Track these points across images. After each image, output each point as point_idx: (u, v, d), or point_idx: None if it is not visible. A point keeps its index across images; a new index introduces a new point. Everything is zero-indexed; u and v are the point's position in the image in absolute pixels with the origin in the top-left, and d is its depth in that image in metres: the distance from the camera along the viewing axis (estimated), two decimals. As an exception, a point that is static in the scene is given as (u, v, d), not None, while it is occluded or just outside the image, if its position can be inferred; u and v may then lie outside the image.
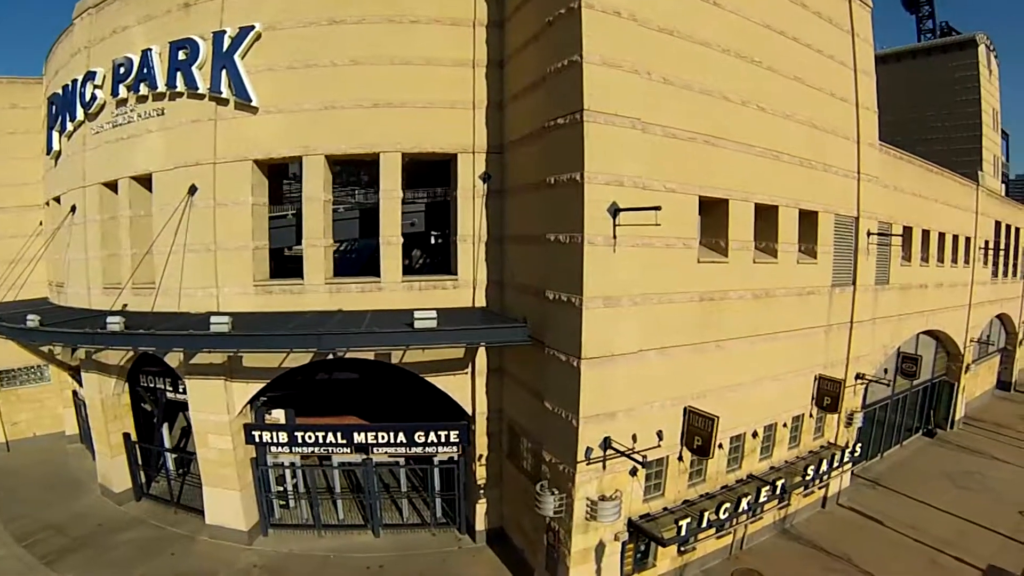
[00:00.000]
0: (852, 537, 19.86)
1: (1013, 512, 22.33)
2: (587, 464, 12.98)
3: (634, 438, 13.39)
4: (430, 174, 18.56)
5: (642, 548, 15.56)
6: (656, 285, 13.37)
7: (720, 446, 15.80)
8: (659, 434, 13.61)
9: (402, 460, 18.47)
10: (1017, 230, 41.57)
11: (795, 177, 17.03)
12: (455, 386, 16.74)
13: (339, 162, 17.28)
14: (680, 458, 15.15)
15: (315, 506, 18.28)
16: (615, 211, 12.20)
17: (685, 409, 14.24)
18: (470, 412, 17.02)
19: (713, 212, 14.84)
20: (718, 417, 13.48)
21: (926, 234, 26.15)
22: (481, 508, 17.64)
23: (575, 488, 13.10)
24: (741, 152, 15.25)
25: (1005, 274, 39.91)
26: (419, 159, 16.94)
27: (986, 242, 34.42)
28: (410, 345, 14.39)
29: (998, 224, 36.74)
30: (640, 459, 12.83)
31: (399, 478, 19.25)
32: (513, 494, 16.93)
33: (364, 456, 17.89)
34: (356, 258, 23.46)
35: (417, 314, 13.89)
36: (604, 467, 13.35)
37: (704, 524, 14.72)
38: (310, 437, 17.26)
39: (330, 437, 17.44)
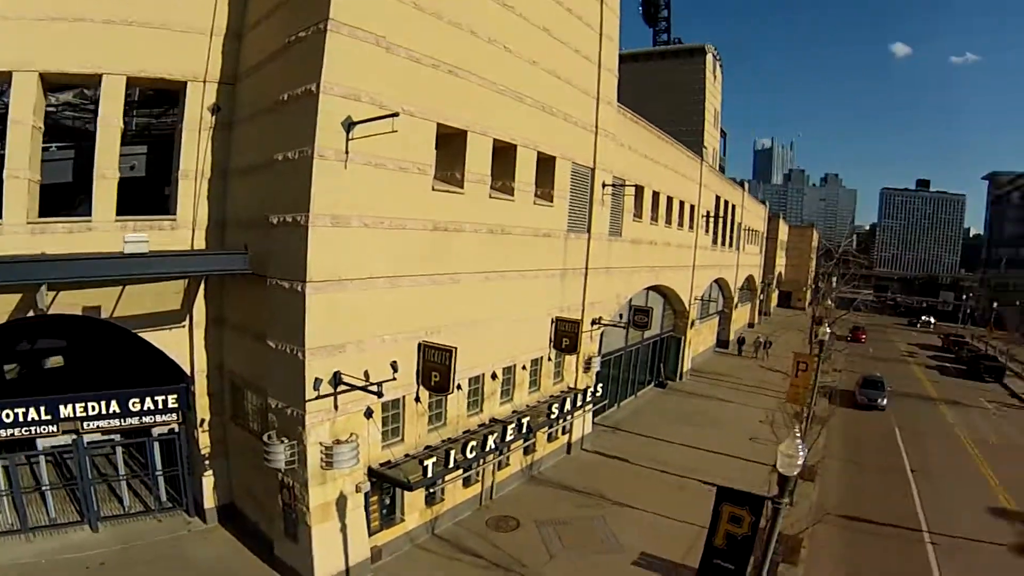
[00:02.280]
0: (601, 476, 22.92)
1: (745, 440, 28.19)
2: (317, 401, 13.55)
3: (366, 375, 14.35)
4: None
5: (387, 502, 16.73)
6: (389, 209, 14.48)
7: (459, 387, 17.53)
8: (393, 365, 14.60)
9: (118, 437, 17.57)
10: (733, 206, 48.37)
11: (536, 121, 19.53)
12: (172, 342, 16.33)
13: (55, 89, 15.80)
14: (417, 399, 16.35)
15: (20, 506, 15.69)
16: (349, 125, 13.08)
17: (420, 344, 15.28)
18: (189, 371, 16.71)
19: (452, 144, 16.51)
20: (455, 348, 14.91)
21: (656, 195, 30.81)
22: (209, 483, 17.35)
23: (306, 432, 13.59)
24: (484, 88, 17.05)
25: (723, 243, 46.63)
26: (146, 86, 16.31)
27: (708, 212, 40.18)
28: (120, 275, 13.71)
29: (718, 198, 43.22)
30: (375, 391, 13.73)
31: (116, 463, 18.00)
32: (242, 461, 17.09)
33: (74, 436, 16.14)
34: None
35: (127, 237, 13.41)
36: (336, 407, 14.02)
37: (451, 465, 16.19)
38: (7, 416, 14.86)
39: (32, 414, 15.40)
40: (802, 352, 28.92)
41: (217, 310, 16.76)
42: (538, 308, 20.84)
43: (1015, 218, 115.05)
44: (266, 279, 13.95)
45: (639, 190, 28.51)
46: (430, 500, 17.66)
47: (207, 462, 17.16)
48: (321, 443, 13.75)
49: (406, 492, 16.39)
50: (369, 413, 14.76)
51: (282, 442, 13.57)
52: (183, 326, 16.29)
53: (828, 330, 26.21)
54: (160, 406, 16.47)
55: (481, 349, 18.10)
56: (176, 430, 17.09)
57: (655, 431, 28.77)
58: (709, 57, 57.94)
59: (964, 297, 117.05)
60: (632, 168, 27.10)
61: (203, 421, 16.97)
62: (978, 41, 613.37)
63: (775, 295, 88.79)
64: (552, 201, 20.61)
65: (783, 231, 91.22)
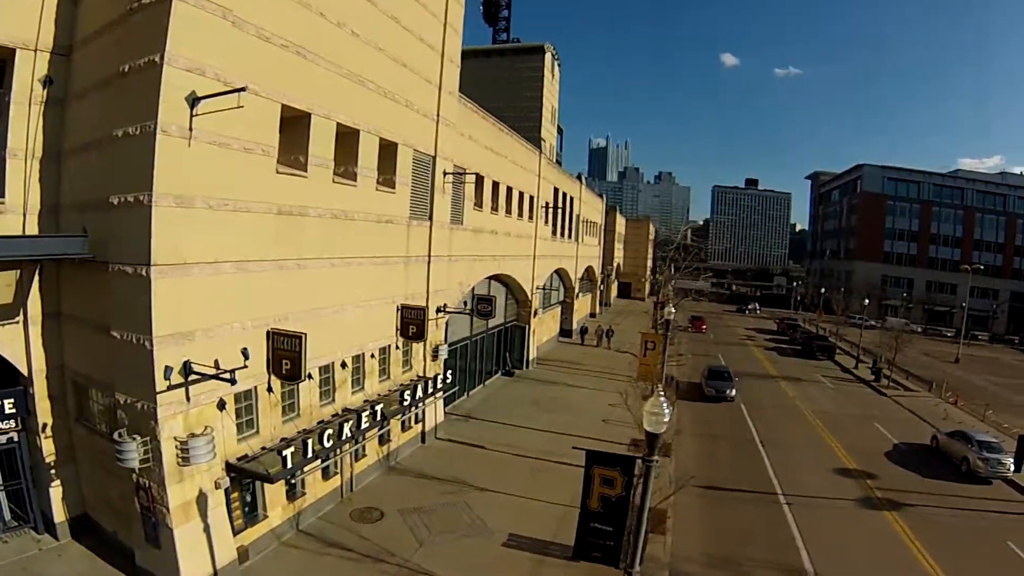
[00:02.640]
0: (459, 463, 23.87)
1: (597, 421, 30.38)
2: (169, 393, 13.31)
3: (217, 364, 14.25)
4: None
5: (249, 499, 16.67)
6: (234, 190, 14.52)
7: (310, 376, 17.80)
8: (244, 352, 14.60)
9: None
10: (572, 199, 50.84)
11: (379, 107, 20.24)
12: (5, 340, 15.10)
13: None
14: (270, 389, 16.42)
15: None
16: (194, 100, 13.00)
17: (269, 332, 15.35)
18: (26, 372, 15.61)
19: (296, 126, 16.68)
20: (305, 334, 15.30)
21: (496, 185, 32.29)
22: (57, 494, 16.22)
23: (159, 427, 13.27)
24: (330, 71, 17.47)
25: (563, 235, 48.93)
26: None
27: (547, 203, 41.86)
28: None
29: (556, 190, 45.41)
30: (228, 379, 13.76)
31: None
32: (92, 466, 16.17)
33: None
34: None
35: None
36: (188, 398, 13.81)
37: (310, 455, 16.46)
38: None
39: None
40: (649, 331, 31.50)
41: (54, 303, 15.73)
42: (384, 296, 21.53)
43: (833, 214, 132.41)
44: (108, 265, 13.44)
45: (480, 179, 29.92)
46: (292, 494, 17.77)
47: (53, 471, 15.99)
48: (176, 437, 13.49)
49: (267, 486, 16.51)
50: (222, 405, 14.72)
51: (134, 439, 13.14)
52: (16, 322, 15.13)
53: (672, 310, 28.75)
54: (-5, 413, 15.37)
55: (330, 337, 18.51)
56: (15, 439, 15.76)
57: (508, 418, 30.23)
58: (548, 56, 61.34)
59: (795, 284, 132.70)
60: (473, 158, 28.47)
61: (45, 426, 15.78)
62: (799, 54, 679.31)
63: (615, 286, 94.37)
64: (394, 188, 21.38)
65: (620, 224, 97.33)
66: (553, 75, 63.65)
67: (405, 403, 21.37)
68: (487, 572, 16.55)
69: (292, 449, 15.61)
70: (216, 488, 14.59)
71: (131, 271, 12.93)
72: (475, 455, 24.87)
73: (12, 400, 15.40)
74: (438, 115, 24.00)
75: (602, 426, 29.46)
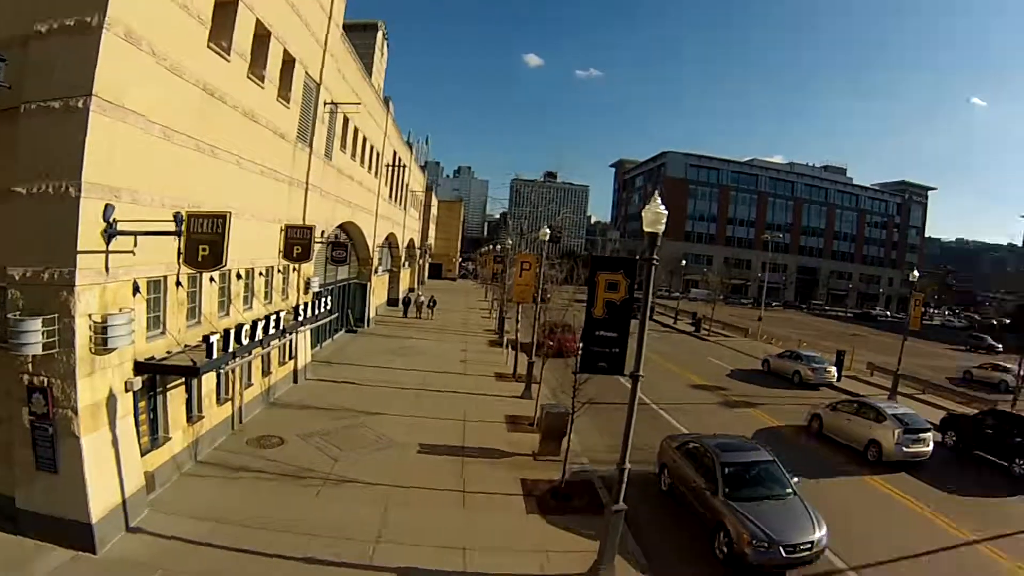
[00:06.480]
0: (340, 396, 23.95)
1: (456, 362, 32.84)
2: (91, 256, 11.64)
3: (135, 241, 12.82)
4: None
5: (153, 414, 15.21)
6: (174, 46, 13.41)
7: (212, 279, 17.07)
8: (177, 218, 13.21)
9: None
10: (405, 166, 51.38)
11: (289, 18, 19.65)
12: None
13: None
14: (179, 283, 15.35)
15: None
16: None
17: (185, 214, 13.50)
18: None
19: (225, 9, 15.69)
20: (230, 212, 13.90)
21: (356, 132, 32.36)
22: None
23: (76, 299, 11.44)
24: None
25: (396, 201, 49.15)
26: None
27: (388, 163, 41.95)
28: None
29: (395, 154, 45.64)
30: (171, 231, 12.72)
31: None
32: None
33: None
34: None
35: None
36: (107, 269, 12.10)
37: (230, 346, 15.64)
38: None
39: None
40: (525, 253, 33.37)
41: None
42: (272, 215, 20.80)
43: (638, 199, 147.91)
44: (20, 108, 11.29)
45: (346, 120, 29.60)
46: (191, 416, 16.58)
47: None
48: (91, 315, 11.76)
49: (169, 404, 15.35)
50: (136, 288, 13.33)
51: (36, 319, 11.03)
52: None
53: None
54: None
55: (232, 240, 17.51)
56: None
57: (371, 362, 30.69)
58: (380, 34, 60.74)
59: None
60: (343, 96, 27.88)
61: None
62: (599, 58, 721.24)
63: (427, 266, 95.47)
64: (289, 103, 20.72)
65: (435, 205, 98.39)
66: (383, 53, 63.49)
67: (298, 319, 21.18)
68: (416, 472, 16.96)
69: (218, 336, 14.80)
70: (126, 391, 12.98)
71: (62, 105, 11.15)
72: (353, 390, 24.89)
73: None
74: (326, 43, 23.61)
75: (463, 364, 31.70)
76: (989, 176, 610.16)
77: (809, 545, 13.24)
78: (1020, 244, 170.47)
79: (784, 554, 13.00)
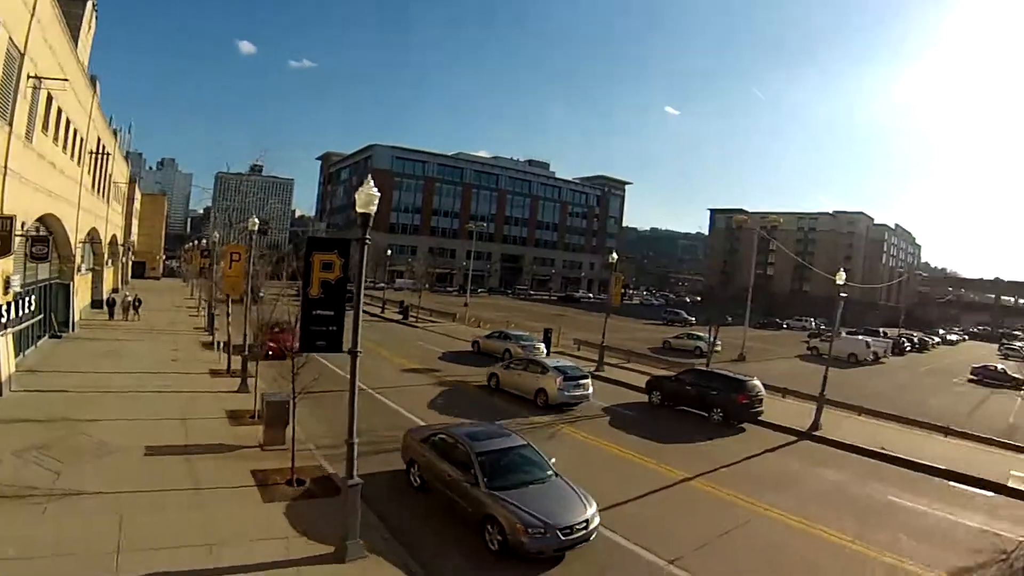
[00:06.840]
0: (51, 407, 20.89)
1: (168, 362, 31.15)
2: None
3: None
4: None
5: None
6: None
7: None
8: None
9: None
10: (109, 155, 46.43)
11: None
12: None
13: None
14: None
15: None
16: None
17: None
18: None
19: None
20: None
21: (60, 112, 27.81)
22: None
23: None
24: None
25: (99, 193, 44.44)
26: None
27: (92, 151, 37.77)
28: None
29: (99, 141, 41.16)
30: None
31: None
32: None
33: None
34: None
35: None
36: None
37: None
38: None
39: None
40: (234, 244, 31.34)
41: None
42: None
43: (344, 191, 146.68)
44: None
45: (50, 98, 25.73)
46: None
47: None
48: None
49: None
50: None
51: None
52: None
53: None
54: None
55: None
56: None
57: (80, 368, 27.64)
58: (89, 4, 52.86)
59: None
60: (50, 71, 24.16)
61: None
62: (313, 49, 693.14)
63: (131, 264, 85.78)
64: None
65: (138, 198, 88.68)
66: (91, 27, 55.29)
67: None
68: (146, 476, 15.93)
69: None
70: None
71: None
72: (66, 398, 22.12)
73: None
74: (34, 10, 20.61)
75: (176, 364, 30.53)
76: (679, 174, 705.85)
77: (584, 524, 13.37)
78: (707, 232, 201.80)
79: (562, 536, 12.94)
